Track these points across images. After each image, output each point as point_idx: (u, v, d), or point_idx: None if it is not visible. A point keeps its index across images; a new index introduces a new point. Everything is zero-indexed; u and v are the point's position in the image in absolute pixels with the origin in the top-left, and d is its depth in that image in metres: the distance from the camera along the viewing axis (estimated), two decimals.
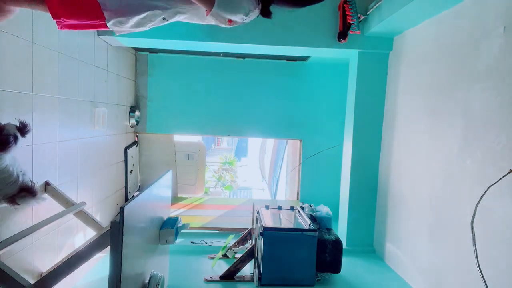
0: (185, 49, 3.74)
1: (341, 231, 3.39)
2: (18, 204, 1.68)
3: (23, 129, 1.67)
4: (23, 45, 1.96)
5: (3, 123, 1.65)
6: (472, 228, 1.78)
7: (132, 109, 4.00)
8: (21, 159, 1.89)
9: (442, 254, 2.31)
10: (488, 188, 1.77)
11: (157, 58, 4.21)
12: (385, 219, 3.13)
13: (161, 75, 4.23)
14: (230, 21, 1.36)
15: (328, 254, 2.69)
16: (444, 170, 2.33)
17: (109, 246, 1.52)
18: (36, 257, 2.12)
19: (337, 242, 2.72)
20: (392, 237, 3.02)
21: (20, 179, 1.66)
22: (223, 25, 1.41)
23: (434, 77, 2.50)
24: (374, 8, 2.83)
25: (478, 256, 1.78)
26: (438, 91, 2.43)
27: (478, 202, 1.79)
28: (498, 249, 1.82)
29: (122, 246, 1.46)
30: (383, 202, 3.19)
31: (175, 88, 4.25)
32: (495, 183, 1.77)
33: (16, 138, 1.61)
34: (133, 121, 3.99)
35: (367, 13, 2.94)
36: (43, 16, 1.92)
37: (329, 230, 2.93)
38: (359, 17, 2.92)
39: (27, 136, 1.70)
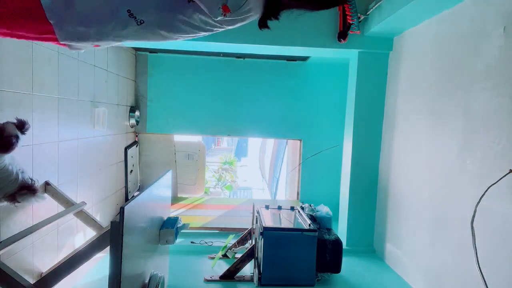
0: (185, 49, 3.74)
1: (341, 231, 3.39)
2: (19, 202, 1.68)
3: (22, 127, 1.67)
4: (23, 45, 1.96)
5: (1, 123, 1.64)
6: (472, 228, 1.78)
7: (132, 109, 4.00)
8: (21, 159, 1.89)
9: (442, 254, 2.31)
10: (488, 188, 1.77)
11: (157, 58, 4.21)
12: (385, 219, 3.13)
13: (161, 75, 4.23)
14: (225, 8, 1.01)
15: (328, 254, 2.69)
16: (444, 170, 2.33)
17: (109, 246, 1.52)
18: (36, 257, 2.12)
19: (337, 242, 2.72)
20: (392, 237, 3.02)
21: (20, 177, 1.67)
22: (217, 18, 1.04)
23: (434, 77, 2.50)
24: (374, 8, 2.83)
25: (478, 256, 1.78)
26: (438, 91, 2.43)
27: (478, 202, 1.79)
28: (498, 249, 1.82)
29: (122, 246, 1.46)
30: (383, 202, 3.19)
31: (175, 88, 4.25)
32: (495, 183, 1.77)
33: (17, 138, 1.61)
34: (133, 121, 3.99)
35: (367, 13, 2.94)
36: None
37: (329, 230, 2.93)
38: (359, 17, 2.92)
39: (27, 133, 1.70)
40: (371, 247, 3.33)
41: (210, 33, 1.16)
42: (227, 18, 1.02)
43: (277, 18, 1.19)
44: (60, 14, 1.02)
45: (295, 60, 4.27)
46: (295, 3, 1.15)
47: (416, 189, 2.66)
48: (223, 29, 1.16)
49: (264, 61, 4.26)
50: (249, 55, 4.17)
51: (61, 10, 1.02)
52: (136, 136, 4.33)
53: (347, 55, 3.34)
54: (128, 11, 1.03)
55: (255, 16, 1.13)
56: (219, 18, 1.02)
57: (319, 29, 3.08)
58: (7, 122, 1.66)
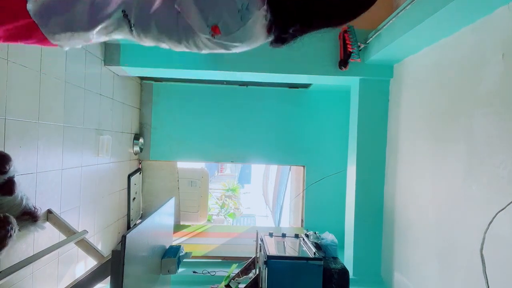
0: (189, 78, 3.82)
1: (347, 259, 3.30)
2: (19, 230, 1.66)
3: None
4: (32, 75, 2.01)
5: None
6: (482, 255, 1.73)
7: (136, 137, 4.04)
8: (24, 187, 1.89)
9: (452, 284, 2.23)
10: (497, 214, 1.74)
11: (162, 87, 4.29)
12: (392, 247, 3.06)
13: (165, 103, 4.29)
14: (216, 29, 0.88)
15: (335, 284, 2.60)
16: (450, 196, 2.29)
17: (109, 276, 1.49)
18: None
19: (344, 271, 2.64)
20: (400, 266, 2.93)
21: (24, 202, 1.66)
22: (204, 37, 0.91)
23: (435, 103, 2.51)
24: (373, 37, 2.90)
25: (489, 284, 1.72)
26: (441, 117, 2.44)
27: (487, 229, 1.75)
28: (508, 276, 1.76)
29: (123, 276, 1.43)
30: (389, 229, 3.13)
31: (179, 115, 4.30)
32: (503, 209, 1.73)
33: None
34: (137, 148, 4.01)
35: (367, 42, 3.01)
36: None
37: (335, 258, 2.85)
38: (359, 46, 2.99)
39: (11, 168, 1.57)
40: (379, 276, 3.23)
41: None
42: (216, 40, 0.91)
43: (288, 34, 1.04)
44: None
45: (298, 87, 4.34)
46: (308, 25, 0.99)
47: (423, 215, 2.62)
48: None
49: (267, 88, 4.32)
50: (252, 82, 4.24)
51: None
52: (140, 163, 4.34)
53: (349, 82, 3.39)
54: (123, 11, 0.92)
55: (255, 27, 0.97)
56: (207, 37, 0.91)
57: (321, 57, 3.14)
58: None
